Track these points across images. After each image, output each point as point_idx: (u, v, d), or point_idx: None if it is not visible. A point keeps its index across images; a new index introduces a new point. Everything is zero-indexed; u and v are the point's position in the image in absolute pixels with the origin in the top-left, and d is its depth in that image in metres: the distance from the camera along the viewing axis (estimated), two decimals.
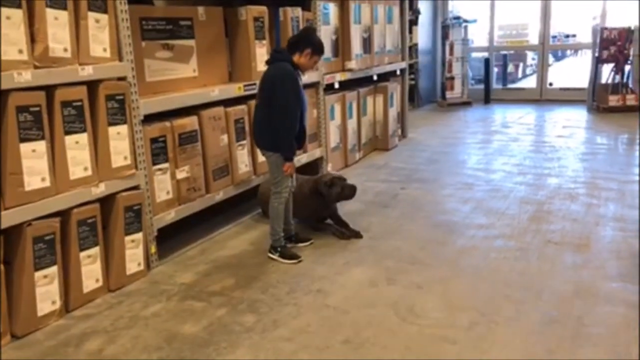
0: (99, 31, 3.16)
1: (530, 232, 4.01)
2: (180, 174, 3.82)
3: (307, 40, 3.53)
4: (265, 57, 4.60)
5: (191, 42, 4.11)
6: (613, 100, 8.94)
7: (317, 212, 4.17)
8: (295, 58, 3.50)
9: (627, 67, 9.10)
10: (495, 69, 11.92)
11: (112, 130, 3.26)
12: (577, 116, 9.01)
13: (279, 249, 3.69)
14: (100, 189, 3.20)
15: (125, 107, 3.32)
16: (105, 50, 3.21)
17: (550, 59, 11.64)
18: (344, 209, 4.42)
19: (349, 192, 4.04)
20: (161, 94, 3.81)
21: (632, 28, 8.99)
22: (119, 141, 3.31)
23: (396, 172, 5.82)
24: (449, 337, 2.71)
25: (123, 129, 3.32)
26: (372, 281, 3.35)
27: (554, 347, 2.60)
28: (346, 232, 4.05)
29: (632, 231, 3.95)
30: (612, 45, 9.05)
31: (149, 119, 3.56)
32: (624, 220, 4.17)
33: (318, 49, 3.54)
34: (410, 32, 8.87)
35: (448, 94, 10.51)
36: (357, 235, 4.04)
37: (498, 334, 2.73)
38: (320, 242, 4.00)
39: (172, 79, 3.99)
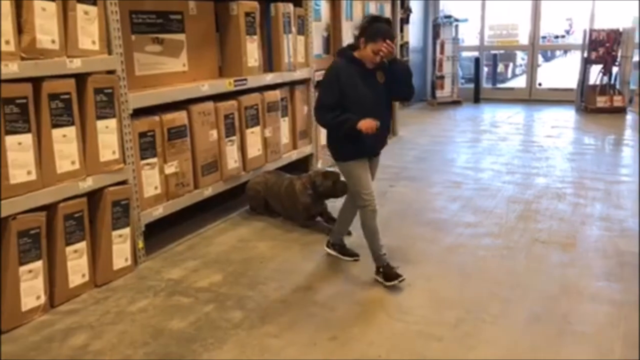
0: (87, 23, 3.13)
1: (517, 231, 4.04)
2: (169, 169, 3.80)
3: (361, 29, 3.19)
4: (256, 53, 4.62)
5: (181, 37, 4.08)
6: (601, 101, 9.02)
7: (308, 209, 4.16)
8: (357, 52, 3.17)
9: (615, 69, 9.18)
10: (485, 69, 11.97)
11: (101, 124, 3.23)
12: (566, 116, 9.08)
13: (381, 270, 3.27)
14: (88, 183, 3.17)
15: (114, 101, 3.29)
16: (94, 42, 3.18)
17: (540, 59, 11.71)
18: (334, 206, 4.42)
19: (341, 188, 4.04)
20: (151, 88, 3.79)
21: (621, 30, 9.07)
22: (107, 135, 3.28)
23: (385, 170, 5.81)
24: (436, 334, 2.73)
25: (111, 122, 3.29)
26: (360, 278, 3.36)
27: (540, 344, 2.62)
28: None
29: (618, 231, 3.99)
30: (600, 46, 9.12)
31: (138, 113, 3.53)
32: (610, 220, 4.21)
33: (369, 36, 3.08)
34: (402, 30, 8.88)
35: (438, 93, 10.55)
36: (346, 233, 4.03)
37: (484, 332, 2.75)
38: (310, 239, 3.99)
39: (162, 73, 3.96)
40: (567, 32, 14.98)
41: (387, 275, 3.22)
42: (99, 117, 3.22)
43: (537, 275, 3.35)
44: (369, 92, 3.12)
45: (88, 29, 3.14)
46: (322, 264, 3.58)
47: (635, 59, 9.46)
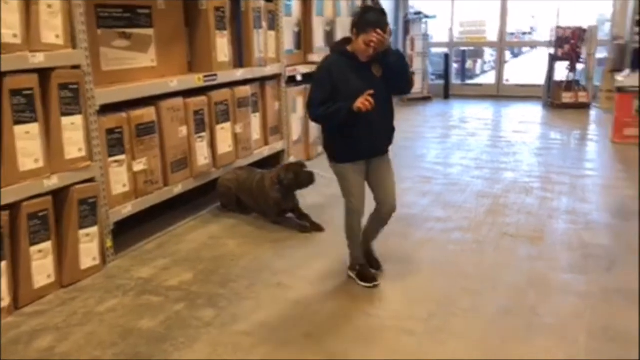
0: (51, 17, 3.04)
1: (486, 225, 4.10)
2: (138, 166, 3.74)
3: (353, 20, 2.98)
4: (227, 48, 4.57)
5: (150, 32, 4.01)
6: (566, 97, 9.21)
7: (279, 204, 4.15)
8: (350, 46, 2.98)
9: (580, 65, 9.39)
10: (455, 65, 12.10)
11: (66, 120, 3.15)
12: (533, 112, 9.24)
13: (357, 267, 3.23)
14: (53, 182, 3.10)
15: (80, 97, 3.21)
16: (58, 37, 3.10)
17: (508, 55, 11.89)
18: (306, 202, 4.42)
19: (305, 178, 4.03)
20: (118, 83, 3.71)
21: (585, 28, 9.27)
22: (73, 132, 3.20)
23: None
24: (408, 328, 2.75)
25: (77, 119, 3.22)
26: (332, 274, 3.36)
27: (508, 336, 2.67)
28: (307, 226, 4.04)
29: (583, 224, 4.08)
30: (566, 43, 9.31)
31: (105, 109, 3.46)
32: (576, 214, 4.31)
33: (360, 26, 2.88)
34: None
35: None
36: (318, 228, 4.04)
37: (455, 325, 2.78)
38: (281, 236, 3.98)
39: (130, 68, 3.89)
40: (532, 29, 15.27)
41: (363, 275, 3.19)
42: (64, 114, 3.14)
43: (506, 268, 3.40)
44: (364, 86, 2.89)
45: (51, 22, 3.05)
46: (293, 261, 3.57)
47: (599, 55, 9.69)
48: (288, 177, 4.04)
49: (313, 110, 3.02)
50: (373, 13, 2.92)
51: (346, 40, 3.05)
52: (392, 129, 3.19)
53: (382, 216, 3.21)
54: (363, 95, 2.80)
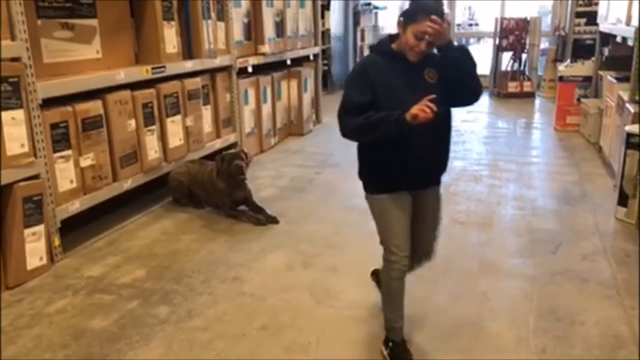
0: None
1: None
2: (85, 162, 3.62)
3: (402, 11, 2.35)
4: (175, 39, 4.47)
5: (93, 22, 3.88)
6: (512, 86, 9.49)
7: (228, 195, 4.10)
8: (396, 44, 2.31)
9: (524, 56, 9.68)
10: None
11: (6, 115, 3.01)
12: (480, 102, 9.42)
13: (390, 344, 2.45)
14: None
15: (21, 91, 3.08)
16: None
17: None
18: (260, 195, 4.39)
19: (234, 168, 4.00)
20: (61, 76, 3.57)
21: (528, 19, 9.56)
22: (14, 127, 3.07)
23: (311, 157, 5.85)
24: (364, 317, 2.78)
25: (18, 114, 3.08)
26: (288, 266, 3.36)
27: (461, 322, 2.74)
28: (262, 218, 4.03)
29: (529, 209, 4.23)
30: (510, 34, 9.58)
31: (49, 103, 3.33)
32: (522, 200, 4.46)
33: (409, 15, 2.23)
34: (323, 17, 8.90)
35: None
36: (273, 220, 4.02)
37: (410, 312, 2.82)
38: (236, 229, 3.95)
39: (74, 60, 3.75)
40: (471, 20, 15.63)
41: (396, 355, 2.42)
42: (4, 108, 3.00)
43: (457, 255, 3.49)
44: (412, 96, 2.14)
45: None
46: (249, 254, 3.55)
47: (542, 46, 10.01)
48: (224, 167, 4.05)
49: (347, 121, 2.24)
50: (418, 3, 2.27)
51: (391, 38, 2.37)
52: (448, 152, 2.43)
53: (394, 270, 2.37)
54: (421, 101, 2.07)
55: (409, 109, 2.08)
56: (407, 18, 2.24)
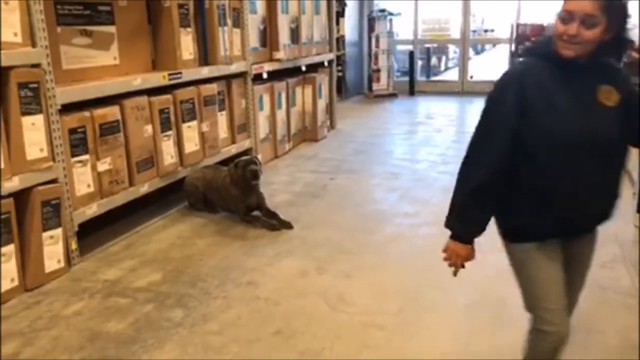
0: (8, 14, 2.95)
1: None
2: (102, 166, 3.66)
3: None
4: (191, 46, 4.51)
5: (111, 29, 3.93)
6: None
7: (242, 201, 4.12)
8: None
9: None
10: (420, 62, 12.23)
11: (26, 120, 3.07)
12: None
13: None
14: (14, 183, 3.01)
15: (40, 96, 3.13)
16: (16, 34, 3.01)
17: (471, 52, 12.10)
18: (274, 200, 4.41)
19: (250, 173, 4.00)
20: (80, 82, 3.63)
21: (545, 25, 9.50)
22: (34, 132, 3.12)
23: (325, 163, 5.86)
24: (378, 323, 2.77)
25: (38, 119, 3.13)
26: (302, 271, 3.36)
27: (478, 328, 2.72)
28: (276, 224, 4.03)
29: None
30: (526, 40, 9.52)
31: (67, 108, 3.38)
32: None
33: None
34: (337, 23, 8.93)
35: (374, 86, 10.69)
36: (287, 226, 4.03)
37: (424, 319, 2.82)
38: (250, 234, 3.96)
39: (92, 66, 3.81)
40: (482, 22, 15.53)
41: None
42: (24, 113, 3.05)
43: (474, 261, 3.45)
44: (579, 118, 1.68)
45: (9, 19, 2.96)
46: (263, 259, 3.56)
47: None
48: (237, 173, 4.06)
49: (471, 170, 1.86)
50: None
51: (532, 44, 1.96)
52: (616, 197, 1.83)
53: (547, 343, 1.86)
54: (456, 259, 1.86)
55: (574, 139, 1.65)
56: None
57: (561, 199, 1.74)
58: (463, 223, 1.86)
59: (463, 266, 1.93)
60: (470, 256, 1.89)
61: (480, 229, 1.84)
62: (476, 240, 1.92)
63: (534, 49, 1.87)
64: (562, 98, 1.69)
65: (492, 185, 1.78)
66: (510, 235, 1.90)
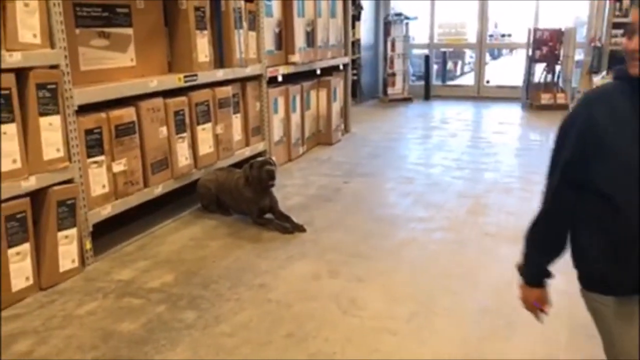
0: (28, 16, 3.00)
1: (467, 225, 4.13)
2: (117, 167, 3.69)
3: None
4: (207, 48, 4.54)
5: (129, 31, 3.97)
6: (545, 98, 9.34)
7: (255, 203, 4.12)
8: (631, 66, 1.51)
9: (558, 67, 9.53)
10: (435, 66, 12.19)
11: (44, 120, 3.10)
12: (512, 113, 9.35)
13: None
14: (31, 183, 3.04)
15: (58, 97, 3.17)
16: (35, 36, 3.05)
17: (487, 57, 12.02)
18: (287, 203, 4.41)
19: (266, 173, 4.00)
20: (97, 83, 3.66)
21: (563, 30, 9.42)
22: (51, 132, 3.15)
23: (339, 166, 5.86)
24: (390, 328, 2.76)
25: (55, 119, 3.17)
26: (314, 274, 3.36)
27: (489, 335, 2.69)
28: (288, 227, 4.03)
29: None
30: (544, 45, 9.44)
31: (84, 109, 3.41)
32: None
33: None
34: (353, 27, 8.93)
35: (389, 90, 10.66)
36: (300, 229, 4.03)
37: (436, 324, 2.80)
38: (263, 237, 3.96)
39: (109, 68, 3.84)
40: (495, 26, 15.40)
41: None
42: (42, 114, 3.09)
43: (487, 268, 3.43)
44: None
45: (28, 21, 3.00)
46: (275, 261, 3.56)
47: (577, 57, 9.84)
48: (253, 174, 4.06)
49: (549, 192, 1.75)
50: None
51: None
52: None
53: None
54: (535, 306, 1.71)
55: None
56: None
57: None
58: (525, 263, 1.80)
59: (542, 310, 1.81)
60: (541, 299, 1.76)
61: (539, 270, 1.76)
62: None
63: (617, 69, 1.59)
64: (633, 126, 1.45)
65: (549, 225, 1.70)
66: (588, 284, 1.72)
